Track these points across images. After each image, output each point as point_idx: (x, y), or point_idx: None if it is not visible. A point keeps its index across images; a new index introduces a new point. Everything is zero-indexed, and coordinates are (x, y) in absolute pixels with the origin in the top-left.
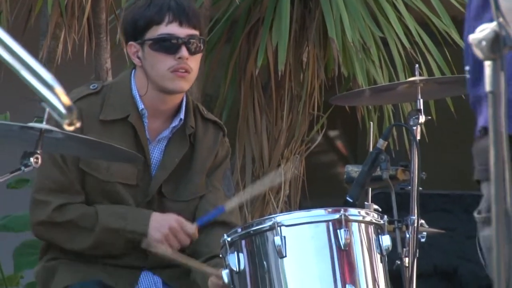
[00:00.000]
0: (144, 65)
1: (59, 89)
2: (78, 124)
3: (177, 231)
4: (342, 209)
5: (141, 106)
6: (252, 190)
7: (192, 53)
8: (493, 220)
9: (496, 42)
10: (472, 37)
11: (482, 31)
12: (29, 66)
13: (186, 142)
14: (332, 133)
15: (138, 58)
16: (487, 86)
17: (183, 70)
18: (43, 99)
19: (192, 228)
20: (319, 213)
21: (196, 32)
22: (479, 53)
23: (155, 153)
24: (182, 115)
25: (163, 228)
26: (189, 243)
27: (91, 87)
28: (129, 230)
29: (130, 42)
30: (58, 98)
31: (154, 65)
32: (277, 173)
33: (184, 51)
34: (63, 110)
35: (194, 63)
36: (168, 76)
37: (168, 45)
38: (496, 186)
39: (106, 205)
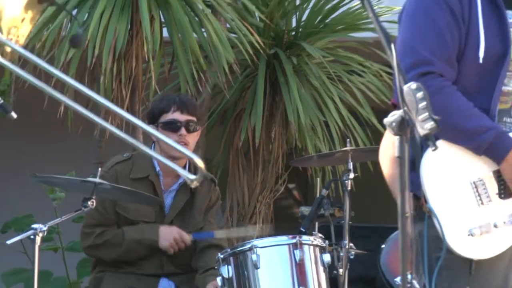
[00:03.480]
0: (158, 140)
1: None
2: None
3: (178, 240)
4: (298, 236)
5: (157, 168)
6: (232, 232)
7: (189, 132)
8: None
9: (402, 124)
10: (386, 120)
11: (393, 116)
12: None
13: (188, 191)
14: (291, 186)
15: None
16: (396, 153)
17: (183, 143)
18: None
19: (188, 239)
20: (282, 239)
21: (193, 118)
22: (390, 131)
23: (167, 199)
24: None
25: (169, 238)
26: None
27: (124, 155)
28: (146, 238)
29: (150, 125)
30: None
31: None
32: (250, 229)
33: (183, 131)
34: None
35: (191, 138)
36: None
37: (173, 127)
38: (402, 232)
39: (129, 226)
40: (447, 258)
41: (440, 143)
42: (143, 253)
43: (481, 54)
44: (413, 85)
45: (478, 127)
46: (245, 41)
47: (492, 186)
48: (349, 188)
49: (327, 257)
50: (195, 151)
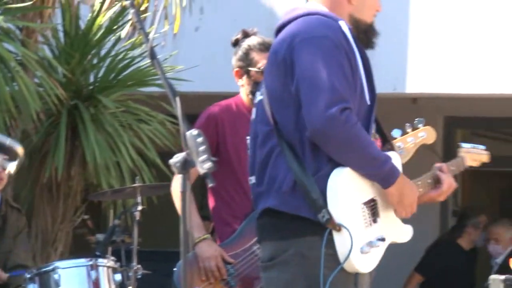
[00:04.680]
0: None
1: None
2: None
3: None
4: (94, 259)
5: None
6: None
7: (3, 169)
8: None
9: (185, 164)
10: (171, 161)
11: (177, 157)
12: None
13: (0, 220)
14: (86, 216)
15: None
16: (180, 188)
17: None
18: None
19: (4, 276)
20: (80, 261)
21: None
22: (175, 170)
23: None
24: None
25: None
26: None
27: None
28: None
29: None
30: None
31: None
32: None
33: None
34: None
35: (5, 174)
36: None
37: None
38: (184, 249)
39: None
40: (340, 276)
41: (347, 169)
42: None
43: (367, 96)
44: (194, 131)
45: (382, 156)
46: (50, 94)
47: (370, 211)
48: (137, 218)
49: (118, 277)
50: (5, 186)
